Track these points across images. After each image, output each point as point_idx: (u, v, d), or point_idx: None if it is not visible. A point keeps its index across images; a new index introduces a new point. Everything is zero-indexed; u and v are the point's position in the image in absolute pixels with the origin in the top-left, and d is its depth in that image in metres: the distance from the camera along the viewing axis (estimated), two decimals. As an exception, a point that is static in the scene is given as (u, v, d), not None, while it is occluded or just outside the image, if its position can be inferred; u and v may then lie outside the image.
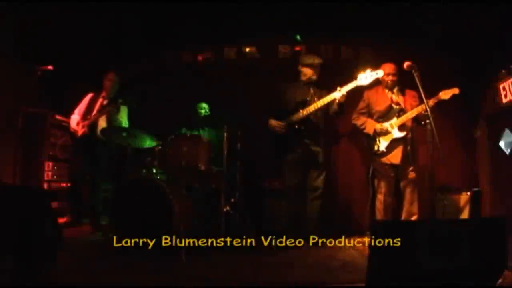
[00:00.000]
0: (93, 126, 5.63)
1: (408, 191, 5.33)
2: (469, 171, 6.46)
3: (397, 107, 5.35)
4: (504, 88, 5.76)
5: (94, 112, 5.68)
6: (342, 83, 4.97)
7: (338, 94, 4.92)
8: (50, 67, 5.22)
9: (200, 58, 6.71)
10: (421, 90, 4.46)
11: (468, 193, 5.79)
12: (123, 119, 5.79)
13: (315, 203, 5.21)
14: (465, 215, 5.75)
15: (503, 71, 5.74)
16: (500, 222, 3.15)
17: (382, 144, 5.27)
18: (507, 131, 6.07)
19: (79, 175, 6.08)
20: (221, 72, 6.59)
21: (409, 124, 5.31)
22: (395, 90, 5.45)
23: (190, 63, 6.73)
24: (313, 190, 5.22)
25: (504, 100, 5.77)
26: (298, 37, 6.42)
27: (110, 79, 5.87)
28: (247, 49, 6.61)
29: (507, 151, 6.12)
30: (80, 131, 5.65)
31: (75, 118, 5.77)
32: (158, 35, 6.50)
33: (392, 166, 5.30)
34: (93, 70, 5.95)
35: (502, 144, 6.26)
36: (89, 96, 5.89)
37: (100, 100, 5.81)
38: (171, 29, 6.40)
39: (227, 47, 6.62)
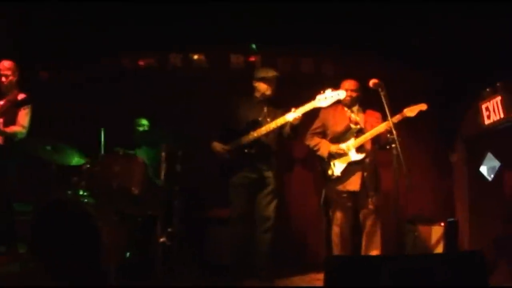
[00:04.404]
0: None
1: (369, 222, 5.66)
2: (443, 200, 6.90)
3: (356, 127, 5.71)
4: (487, 108, 6.08)
5: None
6: (300, 102, 5.29)
7: (292, 115, 5.22)
8: None
9: (141, 63, 6.95)
10: (387, 111, 4.86)
11: (442, 224, 6.15)
12: (19, 125, 5.58)
13: (266, 236, 5.49)
14: (439, 249, 6.07)
15: (488, 89, 6.08)
16: (478, 256, 3.34)
17: (337, 168, 5.62)
18: (489, 155, 6.43)
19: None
20: (163, 83, 6.85)
21: (368, 146, 5.69)
22: (355, 108, 5.86)
23: (129, 69, 6.96)
24: (263, 220, 5.49)
25: (487, 122, 6.08)
26: (253, 46, 6.77)
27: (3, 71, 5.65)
28: (195, 57, 6.89)
29: (489, 177, 6.47)
30: None
31: None
32: (94, 37, 6.66)
33: (350, 194, 5.62)
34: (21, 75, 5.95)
35: (483, 169, 6.62)
36: None
37: None
38: (109, 31, 6.58)
39: (172, 53, 6.88)
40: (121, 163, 5.28)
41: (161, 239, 5.26)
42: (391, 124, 4.85)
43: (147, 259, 5.39)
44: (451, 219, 6.32)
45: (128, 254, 5.21)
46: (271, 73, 5.61)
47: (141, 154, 5.96)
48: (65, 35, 6.56)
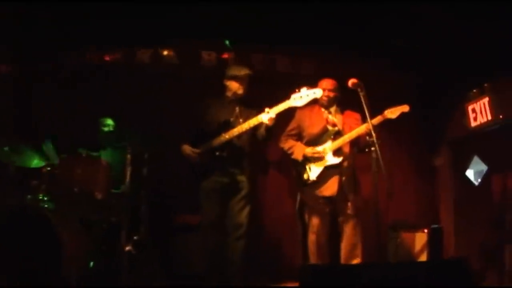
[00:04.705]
0: None
1: (348, 228, 5.74)
2: (427, 205, 7.05)
3: (333, 128, 5.79)
4: (473, 110, 6.25)
5: None
6: (275, 102, 5.32)
7: (266, 116, 5.25)
8: None
9: (107, 58, 6.92)
10: (367, 112, 4.88)
11: (426, 231, 6.22)
12: None
13: (239, 244, 5.51)
14: (423, 256, 6.16)
15: (475, 90, 6.24)
16: (464, 264, 3.44)
17: (313, 172, 5.68)
18: (475, 158, 6.52)
19: None
20: (130, 80, 6.81)
21: (346, 149, 5.74)
22: (332, 109, 5.93)
23: (94, 65, 6.87)
24: (235, 227, 5.51)
25: (473, 124, 6.26)
26: (227, 42, 6.78)
27: None
28: (165, 52, 6.89)
29: (476, 181, 6.55)
30: None
31: None
32: (56, 29, 6.60)
33: (327, 199, 5.68)
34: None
35: (469, 173, 6.70)
36: None
37: None
38: (73, 23, 6.53)
39: (140, 48, 6.87)
40: (83, 166, 5.25)
41: (127, 248, 5.27)
42: (370, 126, 4.87)
43: (111, 269, 5.33)
44: (436, 226, 6.40)
45: (91, 263, 5.13)
46: (243, 71, 5.65)
47: (106, 156, 5.95)
48: (26, 28, 6.50)
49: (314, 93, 5.24)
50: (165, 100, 6.68)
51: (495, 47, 5.75)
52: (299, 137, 5.93)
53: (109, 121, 6.35)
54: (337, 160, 5.62)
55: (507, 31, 5.44)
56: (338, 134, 5.70)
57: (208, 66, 6.86)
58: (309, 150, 5.68)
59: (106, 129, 6.31)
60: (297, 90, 5.24)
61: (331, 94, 5.79)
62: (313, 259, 5.74)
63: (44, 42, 6.68)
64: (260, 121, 5.28)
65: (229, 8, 6.12)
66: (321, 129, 5.76)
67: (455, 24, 5.93)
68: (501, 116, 5.76)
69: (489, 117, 5.91)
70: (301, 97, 5.21)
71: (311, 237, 5.75)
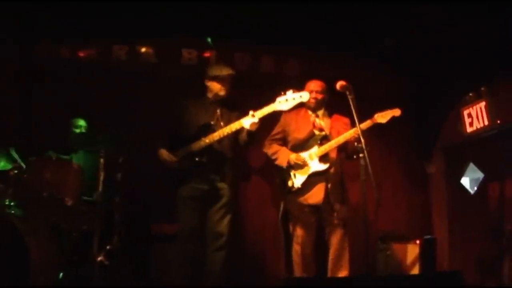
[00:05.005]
0: None
1: (335, 239, 5.74)
2: (419, 215, 7.08)
3: (320, 133, 5.80)
4: (469, 115, 6.34)
5: None
6: (259, 104, 5.33)
7: (248, 121, 5.25)
8: None
9: (80, 54, 6.87)
10: (355, 117, 4.90)
11: (418, 242, 6.24)
12: None
13: (219, 254, 5.53)
14: (415, 269, 6.17)
15: (471, 94, 6.31)
16: (457, 276, 3.51)
17: (298, 179, 5.68)
18: (471, 165, 6.54)
19: None
20: (105, 78, 6.76)
21: (333, 155, 5.76)
22: (320, 112, 5.95)
23: (66, 61, 6.80)
24: (215, 237, 5.53)
25: (469, 129, 6.35)
26: (209, 39, 6.76)
27: None
28: (142, 49, 6.87)
29: (471, 190, 6.58)
30: None
31: None
32: (26, 21, 6.58)
33: (312, 208, 5.69)
34: None
35: (465, 181, 6.72)
36: None
37: None
38: (44, 14, 6.50)
39: (117, 44, 6.83)
40: (53, 170, 5.22)
41: (99, 258, 5.26)
42: (359, 131, 4.87)
43: (82, 280, 5.31)
44: (428, 236, 6.42)
45: (60, 274, 5.11)
46: (225, 71, 5.65)
47: (77, 160, 5.88)
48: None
49: (301, 96, 5.26)
50: (142, 101, 6.66)
51: (492, 48, 5.80)
52: (284, 141, 5.94)
53: (81, 122, 6.30)
54: (323, 166, 5.63)
55: (505, 32, 5.48)
56: (325, 139, 5.70)
57: (188, 65, 6.84)
58: (293, 157, 5.67)
59: (78, 130, 6.26)
60: (282, 93, 5.26)
61: (319, 96, 5.81)
62: (297, 271, 5.74)
63: (11, 35, 6.59)
64: (243, 125, 5.27)
65: (212, 4, 6.12)
66: (307, 134, 5.77)
67: (451, 25, 5.97)
68: (498, 121, 5.82)
69: (486, 122, 5.97)
70: (287, 100, 5.23)
71: (296, 248, 5.75)
